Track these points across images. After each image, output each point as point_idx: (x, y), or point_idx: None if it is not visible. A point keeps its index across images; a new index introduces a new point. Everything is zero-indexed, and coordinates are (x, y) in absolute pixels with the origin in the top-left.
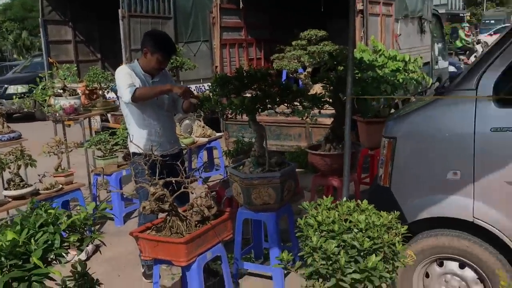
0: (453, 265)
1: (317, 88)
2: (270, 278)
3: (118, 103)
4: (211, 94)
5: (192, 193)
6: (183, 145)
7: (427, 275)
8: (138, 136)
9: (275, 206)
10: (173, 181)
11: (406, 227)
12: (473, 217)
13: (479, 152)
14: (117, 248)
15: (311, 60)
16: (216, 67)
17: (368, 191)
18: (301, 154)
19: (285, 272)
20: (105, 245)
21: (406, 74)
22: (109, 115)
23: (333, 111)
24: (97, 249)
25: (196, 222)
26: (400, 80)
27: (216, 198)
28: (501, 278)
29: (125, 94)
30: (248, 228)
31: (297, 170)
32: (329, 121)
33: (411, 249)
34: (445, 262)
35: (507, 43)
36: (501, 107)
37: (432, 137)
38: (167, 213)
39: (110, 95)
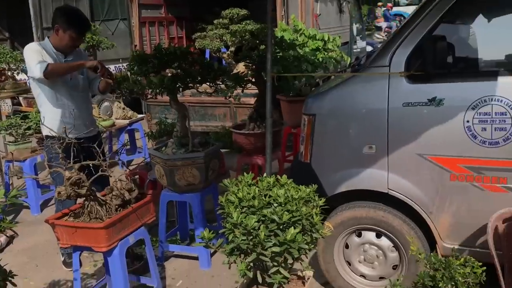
0: (370, 235)
1: (241, 67)
2: (196, 258)
3: (29, 85)
4: (129, 73)
5: (111, 176)
6: (102, 128)
7: (347, 246)
8: (50, 117)
9: (199, 187)
10: (91, 165)
11: (323, 199)
12: (388, 188)
13: (392, 127)
14: (34, 237)
15: (233, 39)
16: (136, 46)
17: (290, 167)
18: (225, 134)
19: (212, 251)
20: (17, 234)
21: (326, 53)
22: (20, 98)
23: (257, 90)
24: (11, 240)
25: (117, 206)
26: (320, 59)
27: (139, 181)
28: (411, 244)
29: (36, 70)
30: (173, 210)
31: (222, 150)
32: (253, 100)
33: (331, 222)
34: (363, 232)
35: (416, 21)
36: (412, 83)
37: (349, 113)
38: (85, 198)
39: (21, 76)
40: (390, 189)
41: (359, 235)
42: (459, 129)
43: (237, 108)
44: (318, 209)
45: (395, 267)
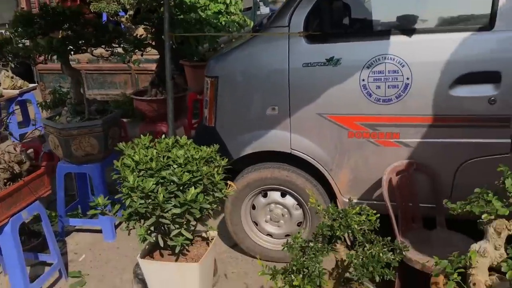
0: (275, 195)
1: (141, 31)
2: (100, 231)
3: None
4: (12, 35)
5: None
6: None
7: (253, 207)
8: None
9: (99, 157)
10: None
11: (226, 160)
12: (291, 148)
13: (293, 87)
14: None
15: (131, 1)
16: (23, 9)
17: (195, 132)
18: (126, 101)
19: (117, 222)
20: None
21: (228, 16)
22: None
23: (158, 55)
24: None
25: (5, 180)
26: (223, 23)
27: (34, 154)
28: (310, 196)
29: None
30: (73, 183)
31: (125, 119)
32: (155, 66)
33: (238, 185)
34: (268, 193)
35: None
36: (311, 43)
37: (251, 74)
38: None
39: None
40: (293, 149)
41: (265, 196)
42: (355, 88)
43: (138, 75)
44: (221, 169)
45: (299, 224)
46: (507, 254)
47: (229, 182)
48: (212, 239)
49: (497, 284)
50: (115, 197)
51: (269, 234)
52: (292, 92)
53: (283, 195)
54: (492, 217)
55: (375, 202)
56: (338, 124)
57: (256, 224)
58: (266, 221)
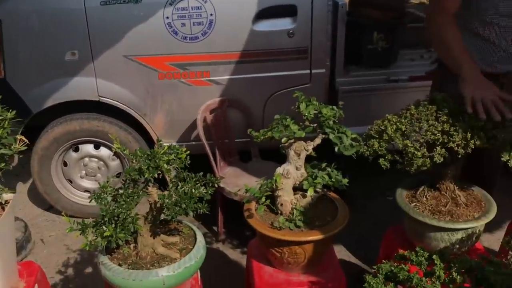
0: (88, 148)
1: None
2: None
3: None
4: None
5: None
6: None
7: (65, 164)
8: None
9: None
10: None
11: (13, 112)
12: (99, 96)
13: (93, 28)
14: None
15: None
16: None
17: None
18: None
19: None
20: None
21: None
22: None
23: None
24: None
25: None
26: None
27: None
28: (114, 141)
29: None
30: None
31: None
32: None
33: (43, 141)
34: (80, 146)
35: None
36: None
37: (42, 16)
38: None
39: None
40: (101, 97)
41: (77, 150)
42: (160, 27)
43: None
44: (7, 123)
45: (119, 175)
46: (307, 172)
47: (18, 136)
48: (6, 202)
49: (301, 200)
50: None
51: (87, 190)
52: (92, 34)
53: (97, 147)
54: (292, 140)
55: (193, 142)
56: (146, 65)
57: (70, 181)
58: (81, 177)
